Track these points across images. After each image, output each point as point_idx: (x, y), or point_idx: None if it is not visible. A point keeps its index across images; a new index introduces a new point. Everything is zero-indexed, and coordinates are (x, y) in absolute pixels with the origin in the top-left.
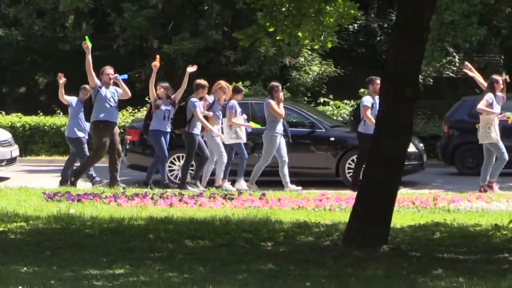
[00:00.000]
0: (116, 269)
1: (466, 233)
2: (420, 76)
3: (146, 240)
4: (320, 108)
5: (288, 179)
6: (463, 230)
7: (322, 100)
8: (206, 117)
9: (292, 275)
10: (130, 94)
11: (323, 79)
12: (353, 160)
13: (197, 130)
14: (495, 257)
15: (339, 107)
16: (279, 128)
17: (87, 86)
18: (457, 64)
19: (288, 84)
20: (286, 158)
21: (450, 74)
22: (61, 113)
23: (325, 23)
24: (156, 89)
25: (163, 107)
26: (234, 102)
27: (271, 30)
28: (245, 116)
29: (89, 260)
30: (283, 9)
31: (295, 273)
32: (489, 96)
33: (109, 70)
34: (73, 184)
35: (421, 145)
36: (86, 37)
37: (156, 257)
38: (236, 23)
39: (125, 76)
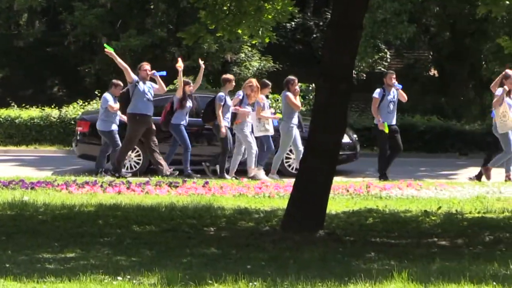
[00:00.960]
0: (68, 253)
1: (397, 218)
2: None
3: (95, 225)
4: None
5: None
6: (394, 216)
7: None
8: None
9: (234, 258)
10: (165, 89)
11: (263, 74)
12: (291, 151)
13: (225, 123)
14: (425, 241)
15: (277, 100)
16: (295, 119)
17: (119, 82)
18: (388, 60)
19: None
20: (301, 148)
21: (382, 69)
22: (15, 105)
23: (263, 20)
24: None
25: (188, 104)
26: (261, 96)
27: (212, 27)
28: (272, 109)
29: (42, 245)
30: (225, 8)
31: (236, 257)
32: (499, 91)
33: (147, 66)
34: (120, 176)
35: (355, 136)
36: (105, 44)
37: (105, 242)
38: (180, 21)
39: (164, 73)
